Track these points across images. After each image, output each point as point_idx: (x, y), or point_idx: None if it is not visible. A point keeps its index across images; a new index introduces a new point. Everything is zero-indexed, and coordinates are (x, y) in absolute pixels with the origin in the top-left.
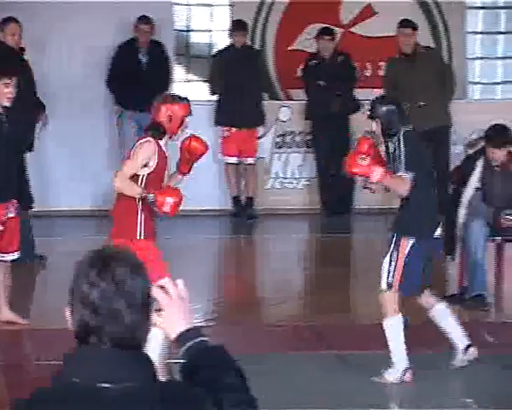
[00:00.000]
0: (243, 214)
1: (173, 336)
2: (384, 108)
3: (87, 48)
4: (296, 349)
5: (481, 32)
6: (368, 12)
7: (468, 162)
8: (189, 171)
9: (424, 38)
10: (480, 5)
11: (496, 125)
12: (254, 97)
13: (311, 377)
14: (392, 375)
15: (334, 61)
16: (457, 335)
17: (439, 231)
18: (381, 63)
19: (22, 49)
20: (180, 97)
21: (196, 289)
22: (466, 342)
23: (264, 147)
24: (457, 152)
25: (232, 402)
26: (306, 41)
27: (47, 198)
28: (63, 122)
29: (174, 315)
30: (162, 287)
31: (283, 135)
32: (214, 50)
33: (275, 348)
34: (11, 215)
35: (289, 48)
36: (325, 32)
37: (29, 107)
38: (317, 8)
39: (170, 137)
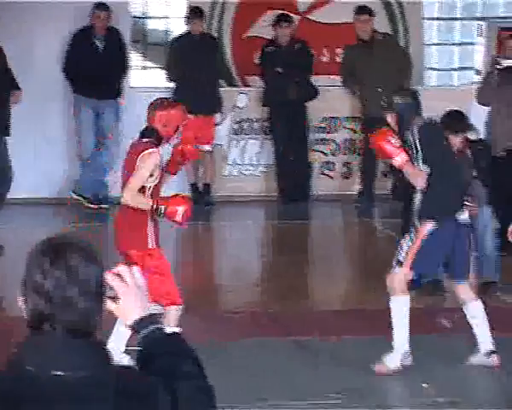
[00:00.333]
0: (201, 201)
1: (129, 323)
2: (399, 101)
3: (43, 35)
4: (254, 336)
5: (438, 19)
6: None
7: None
8: (177, 172)
9: (381, 24)
10: None
11: (452, 111)
12: (211, 84)
13: (270, 363)
14: (392, 361)
15: (291, 47)
16: (485, 337)
17: (465, 217)
18: (339, 50)
19: None
20: (174, 102)
21: None
22: (490, 347)
23: (222, 134)
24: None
25: (188, 390)
26: (263, 28)
27: None
28: (19, 110)
29: (130, 303)
30: (118, 275)
31: (241, 122)
32: (171, 37)
33: (232, 334)
34: None
35: (246, 35)
36: (282, 19)
37: (5, 92)
38: None
39: (167, 142)
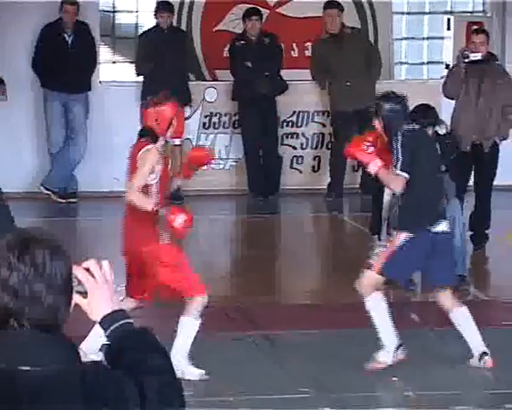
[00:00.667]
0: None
1: (98, 318)
2: (387, 106)
3: (13, 29)
4: (223, 330)
5: (407, 13)
6: None
7: None
8: (192, 175)
9: (350, 18)
10: None
11: (420, 104)
12: (180, 78)
13: (239, 358)
14: (385, 357)
15: (260, 41)
16: (474, 341)
17: (442, 227)
18: (308, 44)
19: None
20: (165, 98)
21: (123, 271)
22: (482, 350)
23: (191, 127)
24: None
25: (156, 385)
26: (233, 22)
27: None
28: None
29: (99, 297)
30: (87, 269)
31: (210, 115)
32: (140, 31)
33: (202, 329)
34: None
35: (216, 28)
36: (252, 13)
37: None
38: None
39: (166, 141)
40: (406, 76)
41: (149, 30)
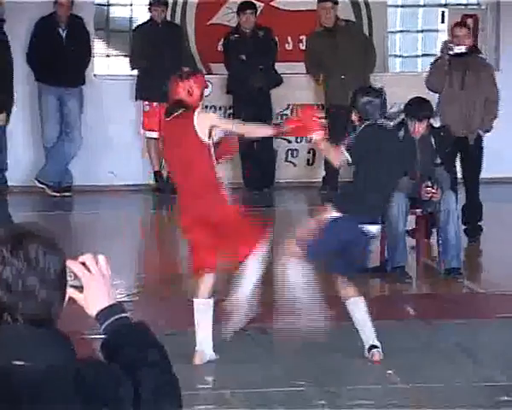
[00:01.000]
0: (165, 189)
1: (94, 312)
2: (362, 100)
3: (7, 23)
4: (217, 323)
5: (402, 6)
6: None
7: None
8: (221, 161)
9: (345, 11)
10: None
11: (416, 97)
12: (175, 72)
13: (235, 351)
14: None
15: (255, 35)
16: (365, 333)
17: (373, 230)
18: (302, 37)
19: None
20: (193, 71)
21: (119, 264)
22: (370, 342)
23: None
24: None
25: (152, 380)
26: (227, 15)
27: None
28: None
29: (95, 292)
30: (83, 263)
31: (204, 109)
32: (134, 25)
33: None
34: None
35: (210, 22)
36: (246, 6)
37: None
38: None
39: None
40: (401, 69)
41: (143, 24)
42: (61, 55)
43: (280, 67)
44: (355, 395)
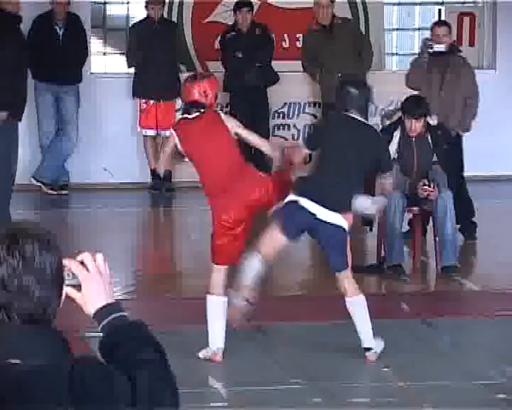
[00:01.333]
0: (162, 187)
1: (92, 311)
2: (342, 90)
3: None
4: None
5: (398, 4)
6: None
7: (385, 133)
8: None
9: (341, 9)
10: None
11: (412, 96)
12: (171, 70)
13: (231, 349)
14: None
15: (251, 32)
16: (365, 333)
17: (332, 218)
18: (299, 35)
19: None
20: (206, 73)
21: (116, 262)
22: (365, 344)
23: None
24: (374, 123)
25: (149, 378)
26: (223, 13)
27: None
28: None
29: (93, 290)
30: (81, 262)
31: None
32: (131, 23)
33: (192, 320)
34: None
35: (206, 20)
36: (243, 5)
37: None
38: None
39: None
40: (397, 67)
41: (140, 21)
42: (57, 53)
43: (276, 64)
44: (351, 393)
